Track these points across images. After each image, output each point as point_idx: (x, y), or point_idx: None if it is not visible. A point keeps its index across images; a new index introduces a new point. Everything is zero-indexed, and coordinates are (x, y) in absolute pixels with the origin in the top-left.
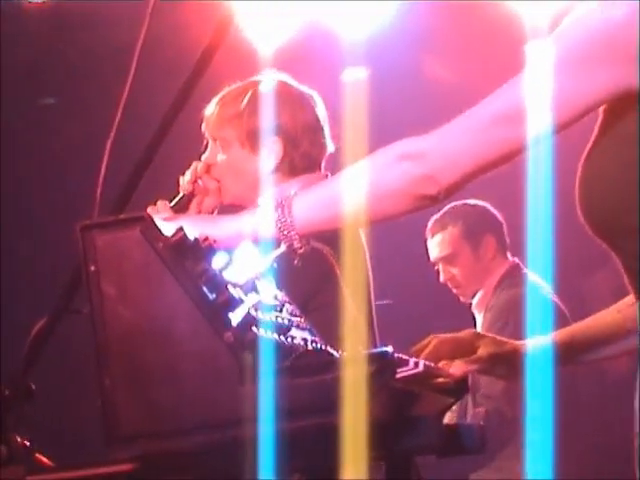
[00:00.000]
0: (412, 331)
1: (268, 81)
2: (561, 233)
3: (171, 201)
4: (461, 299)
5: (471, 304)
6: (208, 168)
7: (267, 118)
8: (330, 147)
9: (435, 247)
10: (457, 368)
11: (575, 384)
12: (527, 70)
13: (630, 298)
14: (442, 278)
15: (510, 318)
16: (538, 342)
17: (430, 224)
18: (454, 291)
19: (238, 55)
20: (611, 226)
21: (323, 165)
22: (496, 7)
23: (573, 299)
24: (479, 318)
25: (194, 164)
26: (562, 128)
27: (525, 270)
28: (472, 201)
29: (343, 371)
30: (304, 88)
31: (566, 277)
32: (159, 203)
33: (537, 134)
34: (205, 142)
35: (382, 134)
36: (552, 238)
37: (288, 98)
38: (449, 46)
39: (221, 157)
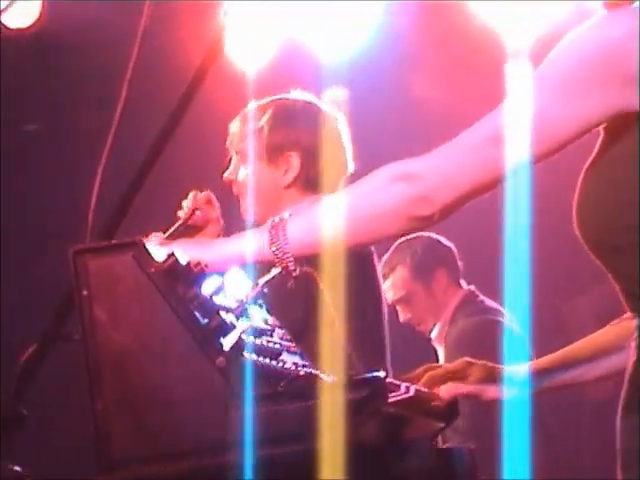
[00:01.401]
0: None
1: (291, 99)
2: (541, 255)
3: (166, 231)
4: (426, 335)
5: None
6: (209, 199)
7: (287, 134)
8: (350, 168)
9: (389, 290)
10: (447, 391)
11: (544, 411)
12: (520, 92)
13: (622, 318)
14: (402, 319)
15: (466, 350)
16: (522, 368)
17: (380, 267)
18: (417, 329)
19: (224, 78)
20: (605, 245)
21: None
22: (478, 28)
23: (554, 324)
24: (440, 351)
25: (192, 194)
26: (554, 151)
27: (481, 297)
28: (417, 234)
29: (332, 396)
30: (329, 108)
31: (547, 303)
32: (152, 236)
33: (528, 156)
34: (228, 158)
35: (363, 153)
36: (530, 264)
37: (310, 116)
38: (431, 66)
39: (243, 171)
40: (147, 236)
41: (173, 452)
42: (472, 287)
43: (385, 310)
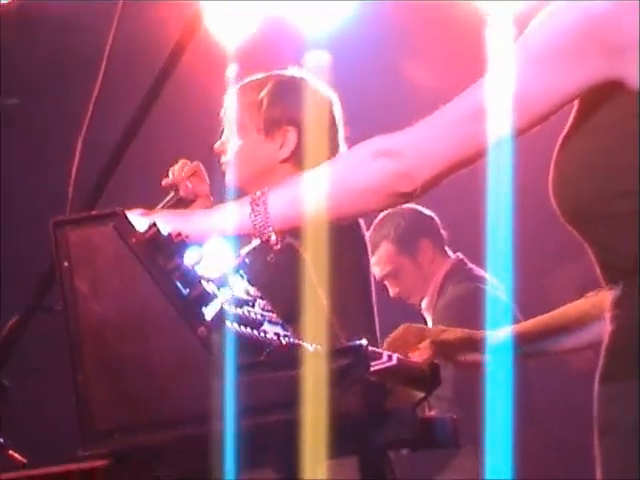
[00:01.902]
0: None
1: (290, 75)
2: (523, 229)
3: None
4: (417, 307)
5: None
6: (195, 170)
7: (286, 108)
8: (342, 148)
9: (375, 266)
10: (422, 351)
11: (532, 378)
12: (501, 66)
13: (598, 289)
14: (391, 293)
15: (454, 315)
16: (500, 334)
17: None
18: (408, 302)
19: (204, 52)
20: (584, 213)
21: None
22: (463, 3)
23: (535, 296)
24: (429, 321)
25: (181, 162)
26: (534, 125)
27: (469, 265)
28: (399, 207)
29: (314, 364)
30: (323, 87)
31: (529, 274)
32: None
33: (508, 131)
34: (221, 129)
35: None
36: (512, 234)
37: (306, 93)
38: (416, 41)
39: (237, 142)
40: (127, 208)
41: (156, 422)
42: (459, 254)
43: (372, 280)
